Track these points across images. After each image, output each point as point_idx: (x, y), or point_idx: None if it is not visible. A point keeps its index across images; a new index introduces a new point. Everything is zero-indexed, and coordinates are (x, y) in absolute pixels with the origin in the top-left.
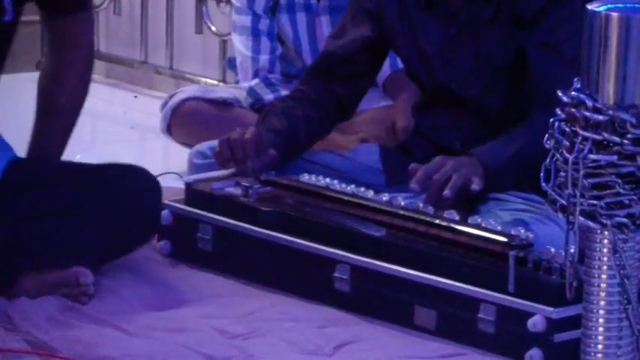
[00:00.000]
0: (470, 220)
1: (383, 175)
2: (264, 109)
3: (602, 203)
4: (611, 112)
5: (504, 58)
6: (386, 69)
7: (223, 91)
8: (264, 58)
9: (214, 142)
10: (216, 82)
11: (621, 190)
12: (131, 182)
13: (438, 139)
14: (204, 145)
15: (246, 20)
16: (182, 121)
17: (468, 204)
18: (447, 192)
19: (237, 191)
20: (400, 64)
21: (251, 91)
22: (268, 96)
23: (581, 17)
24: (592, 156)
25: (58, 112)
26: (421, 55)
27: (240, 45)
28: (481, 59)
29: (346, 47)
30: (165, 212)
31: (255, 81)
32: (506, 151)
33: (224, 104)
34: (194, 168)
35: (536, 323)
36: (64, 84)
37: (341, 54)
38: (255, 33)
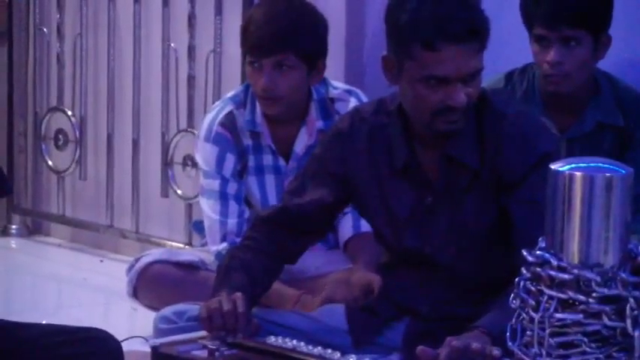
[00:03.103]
0: None
1: (349, 336)
2: (221, 263)
3: None
4: (575, 270)
5: (480, 225)
6: (348, 230)
7: (189, 254)
8: (232, 221)
9: (179, 307)
10: (182, 246)
11: (587, 349)
12: (93, 347)
13: (404, 302)
14: (168, 310)
15: (215, 184)
16: (148, 285)
17: None
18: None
19: (203, 354)
20: (363, 227)
21: (219, 256)
22: None
23: None
24: (558, 315)
25: None
26: (393, 220)
27: (208, 209)
28: (456, 226)
29: (303, 207)
30: None
31: (223, 245)
32: (506, 317)
33: (190, 267)
34: (159, 333)
35: None
36: None
37: (296, 212)
38: (223, 197)
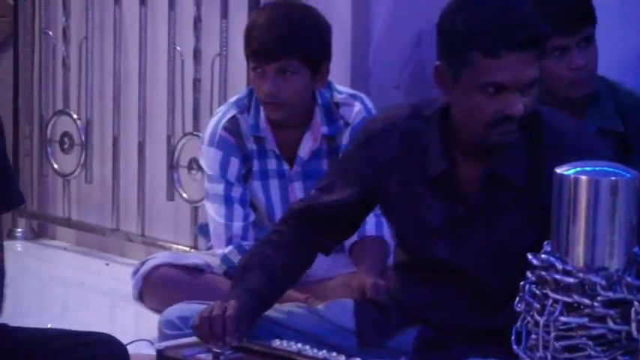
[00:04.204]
0: None
1: (354, 338)
2: (242, 257)
3: None
4: (581, 274)
5: (519, 245)
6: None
7: (195, 257)
8: (237, 225)
9: (183, 310)
10: (187, 249)
11: (592, 352)
12: (98, 351)
13: (417, 308)
14: (173, 314)
15: (219, 188)
16: (154, 288)
17: None
18: None
19: (208, 358)
20: (368, 232)
21: (225, 259)
22: None
23: None
24: (563, 318)
25: None
26: (422, 229)
27: (213, 212)
28: (492, 243)
29: (330, 205)
30: None
31: (229, 248)
32: None
33: (195, 270)
34: (164, 338)
35: None
36: None
37: (323, 210)
38: (228, 200)
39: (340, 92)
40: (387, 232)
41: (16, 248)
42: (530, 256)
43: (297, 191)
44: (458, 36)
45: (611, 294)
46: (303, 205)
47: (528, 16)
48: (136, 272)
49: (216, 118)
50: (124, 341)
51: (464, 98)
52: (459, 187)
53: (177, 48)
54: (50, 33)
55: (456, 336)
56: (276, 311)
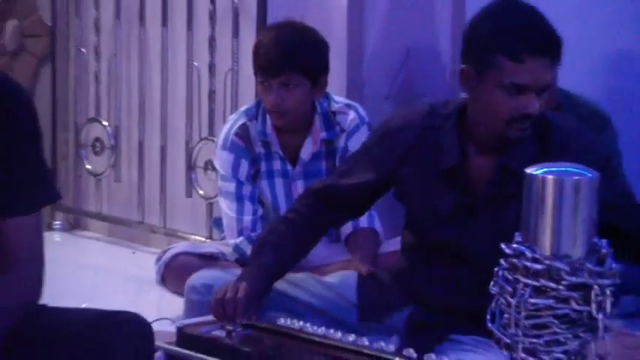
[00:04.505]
0: (425, 359)
1: (356, 311)
2: (262, 234)
3: (542, 341)
4: (547, 261)
5: None
6: (349, 226)
7: (210, 247)
8: (247, 218)
9: (206, 276)
10: (203, 239)
11: (558, 330)
12: (127, 328)
13: (417, 287)
14: (197, 281)
15: (231, 186)
16: (174, 273)
17: (426, 344)
18: None
19: (221, 334)
20: (362, 224)
21: (236, 248)
22: None
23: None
24: (532, 300)
25: None
26: (432, 214)
27: (226, 208)
28: (499, 230)
29: (345, 189)
30: (158, 354)
31: (240, 239)
32: None
33: (211, 258)
34: (189, 304)
35: None
36: None
37: (339, 193)
38: (239, 197)
39: (337, 102)
40: (378, 225)
41: (55, 239)
42: (503, 246)
43: (300, 189)
44: (485, 40)
45: (574, 279)
46: (321, 185)
47: (547, 26)
48: (158, 260)
49: (229, 125)
50: (149, 320)
51: (486, 96)
52: (469, 180)
53: (195, 64)
54: (84, 50)
55: (449, 317)
56: (288, 283)
